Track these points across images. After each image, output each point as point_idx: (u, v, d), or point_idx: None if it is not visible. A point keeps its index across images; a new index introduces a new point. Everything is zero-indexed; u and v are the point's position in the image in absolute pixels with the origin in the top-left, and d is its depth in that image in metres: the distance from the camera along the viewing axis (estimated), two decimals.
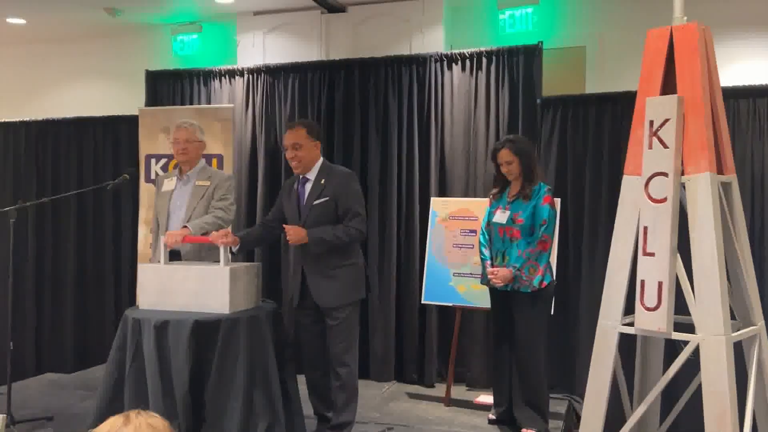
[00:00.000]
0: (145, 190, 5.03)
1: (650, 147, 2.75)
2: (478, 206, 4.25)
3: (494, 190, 3.79)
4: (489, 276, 3.61)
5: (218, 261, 3.32)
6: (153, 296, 3.36)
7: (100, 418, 3.11)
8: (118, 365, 3.25)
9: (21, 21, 5.93)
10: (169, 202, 3.79)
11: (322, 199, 3.40)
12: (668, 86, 2.84)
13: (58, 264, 5.73)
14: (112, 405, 3.20)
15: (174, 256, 3.68)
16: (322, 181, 3.44)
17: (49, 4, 5.46)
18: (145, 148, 5.13)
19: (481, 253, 3.77)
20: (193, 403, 3.13)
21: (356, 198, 3.46)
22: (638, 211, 2.78)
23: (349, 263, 3.46)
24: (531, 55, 4.61)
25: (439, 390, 4.55)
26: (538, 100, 4.59)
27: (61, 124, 5.83)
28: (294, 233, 3.32)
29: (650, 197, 2.74)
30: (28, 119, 5.92)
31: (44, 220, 5.76)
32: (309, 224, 3.38)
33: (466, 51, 4.79)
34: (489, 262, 3.69)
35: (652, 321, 2.68)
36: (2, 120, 5.98)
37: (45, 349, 5.74)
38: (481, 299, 4.06)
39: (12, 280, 3.85)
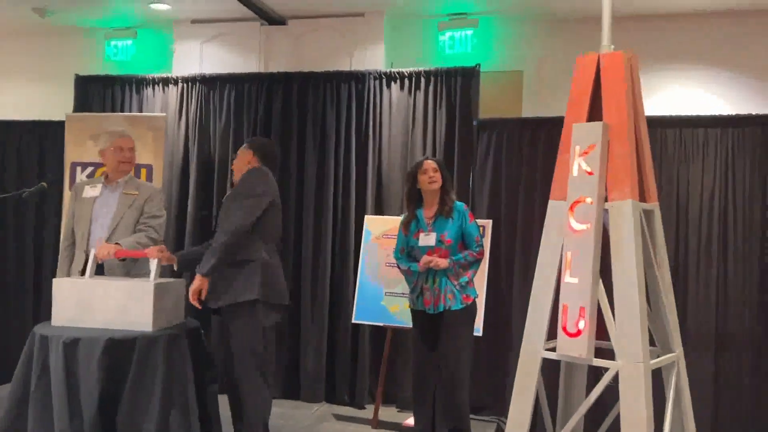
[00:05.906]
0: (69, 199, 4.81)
1: (575, 173, 2.77)
2: None
3: (407, 216, 3.69)
4: (426, 262, 3.50)
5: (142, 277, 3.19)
6: (68, 312, 3.17)
7: None
8: (23, 383, 3.07)
9: None
10: (92, 209, 3.62)
11: (228, 193, 3.45)
12: (596, 112, 2.87)
13: None
14: (14, 425, 3.03)
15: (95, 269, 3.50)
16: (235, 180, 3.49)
17: None
18: (71, 155, 4.91)
19: (400, 262, 3.67)
20: (105, 426, 2.97)
21: (243, 183, 3.34)
22: (563, 236, 2.79)
23: (241, 260, 3.24)
24: (469, 77, 4.65)
25: (370, 411, 4.48)
26: (475, 122, 4.62)
27: None
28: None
29: (574, 223, 2.75)
30: None
31: None
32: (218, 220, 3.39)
33: (405, 70, 4.79)
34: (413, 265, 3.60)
35: (574, 347, 2.68)
36: None
37: None
38: None
39: None
